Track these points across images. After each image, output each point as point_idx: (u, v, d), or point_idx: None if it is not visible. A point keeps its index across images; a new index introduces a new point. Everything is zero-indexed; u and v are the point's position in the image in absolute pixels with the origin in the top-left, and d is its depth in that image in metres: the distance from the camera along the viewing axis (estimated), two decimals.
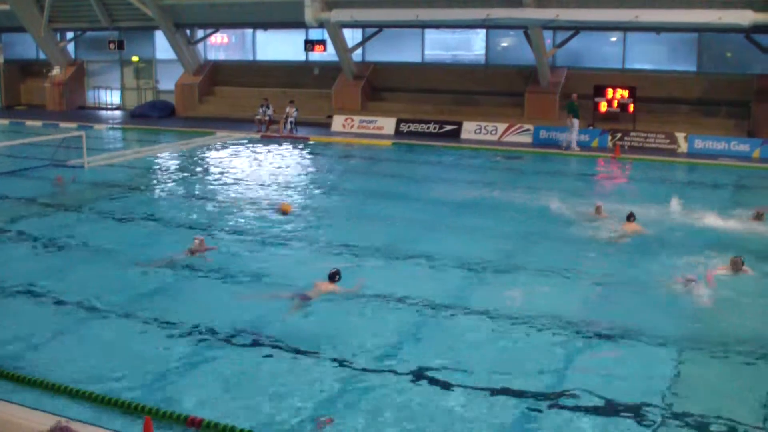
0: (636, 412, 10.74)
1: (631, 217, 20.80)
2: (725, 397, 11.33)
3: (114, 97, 52.09)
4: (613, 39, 40.58)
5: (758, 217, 21.56)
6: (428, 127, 39.15)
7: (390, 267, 17.59)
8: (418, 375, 11.78)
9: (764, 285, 16.48)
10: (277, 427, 10.15)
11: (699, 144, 35.28)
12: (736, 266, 16.62)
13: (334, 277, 15.42)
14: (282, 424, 10.26)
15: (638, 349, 13.08)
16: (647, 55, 40.48)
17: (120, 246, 18.91)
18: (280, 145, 36.68)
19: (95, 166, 30.00)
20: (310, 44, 43.85)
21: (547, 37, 39.41)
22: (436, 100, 41.33)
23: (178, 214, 22.61)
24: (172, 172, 30.22)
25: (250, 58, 48.40)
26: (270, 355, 12.49)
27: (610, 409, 10.83)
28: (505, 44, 42.96)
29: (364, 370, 11.96)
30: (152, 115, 46.46)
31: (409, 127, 39.54)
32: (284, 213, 21.63)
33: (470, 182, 28.32)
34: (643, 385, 11.56)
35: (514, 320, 14.18)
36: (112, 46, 48.81)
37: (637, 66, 40.05)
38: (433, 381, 11.62)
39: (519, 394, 11.21)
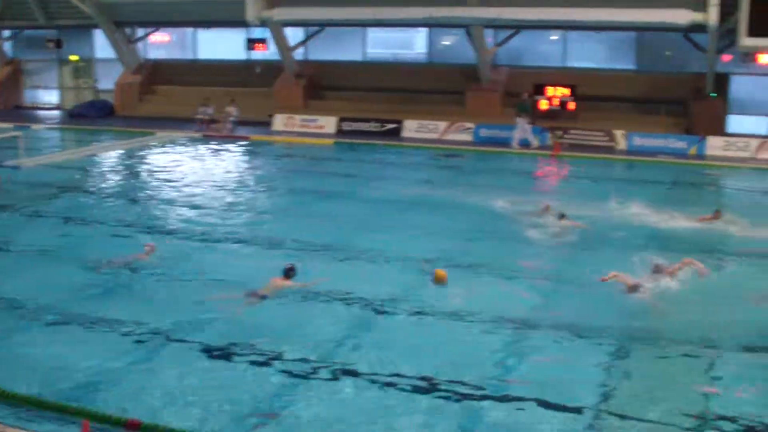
0: (575, 407, 10.81)
1: (563, 217, 20.94)
2: (665, 390, 11.44)
3: (52, 97, 51.42)
4: (554, 37, 40.89)
5: (715, 216, 21.65)
6: (370, 126, 39.09)
7: (334, 265, 17.51)
8: (360, 372, 11.75)
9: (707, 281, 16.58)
10: (219, 426, 10.02)
11: (638, 141, 35.68)
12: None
13: (289, 272, 15.29)
14: (223, 422, 10.15)
15: (578, 344, 13.18)
16: (587, 54, 40.79)
17: (56, 247, 18.66)
18: (220, 144, 36.40)
19: (32, 167, 29.49)
20: (251, 43, 43.57)
21: (489, 35, 39.52)
22: (377, 99, 41.25)
23: (116, 215, 22.22)
24: (110, 173, 29.89)
25: (191, 56, 48.01)
26: (215, 354, 12.37)
27: (549, 404, 10.87)
28: (446, 43, 43.04)
29: (308, 367, 11.91)
30: (91, 115, 45.75)
31: (350, 125, 39.46)
32: (440, 280, 16.19)
33: (412, 180, 28.36)
34: (583, 380, 11.65)
35: (457, 317, 14.21)
36: (50, 44, 48.16)
37: (578, 64, 40.40)
38: (374, 378, 11.58)
39: (460, 391, 11.20)
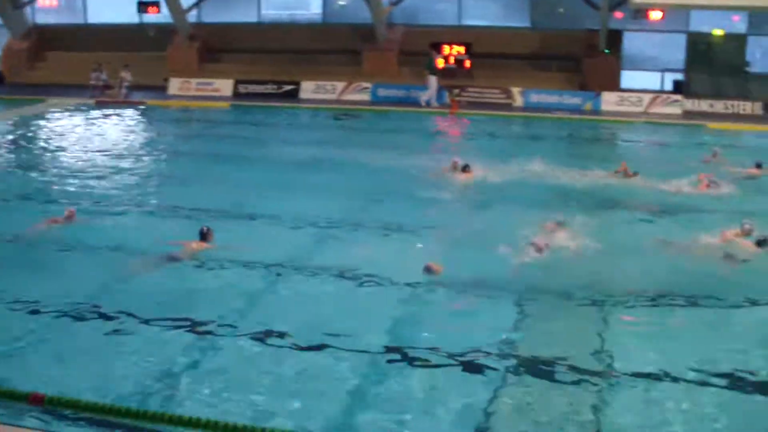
0: (481, 364, 10.76)
1: (466, 168, 21.05)
2: (566, 344, 11.49)
3: None
4: None
5: (626, 174, 21.86)
6: (266, 88, 38.64)
7: (236, 229, 17.09)
8: (266, 336, 11.48)
9: (600, 235, 16.79)
10: (126, 399, 9.75)
11: (534, 98, 36.07)
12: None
13: (205, 235, 14.98)
14: (129, 395, 9.86)
15: (481, 302, 13.13)
16: (482, 11, 40.96)
17: None
18: (115, 110, 35.54)
19: None
20: (143, 6, 42.44)
21: None
22: (274, 60, 40.70)
23: (9, 186, 21.39)
24: None
25: (82, 21, 46.75)
26: (120, 325, 11.92)
27: (455, 361, 10.81)
28: (342, 2, 42.77)
29: (212, 334, 11.60)
30: None
31: (247, 88, 38.96)
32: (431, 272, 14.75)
33: (311, 142, 28.12)
34: (487, 337, 11.58)
35: (360, 279, 14.03)
36: None
37: (473, 22, 40.54)
38: (279, 342, 11.35)
39: (366, 351, 11.05)
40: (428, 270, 13.74)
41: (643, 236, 16.94)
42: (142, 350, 11.03)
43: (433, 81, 35.44)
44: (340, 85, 37.92)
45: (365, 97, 37.41)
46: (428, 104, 35.39)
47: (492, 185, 20.84)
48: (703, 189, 20.53)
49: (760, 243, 15.57)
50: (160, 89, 40.11)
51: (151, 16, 43.01)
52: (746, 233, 16.03)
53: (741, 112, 35.17)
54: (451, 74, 37.01)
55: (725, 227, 16.52)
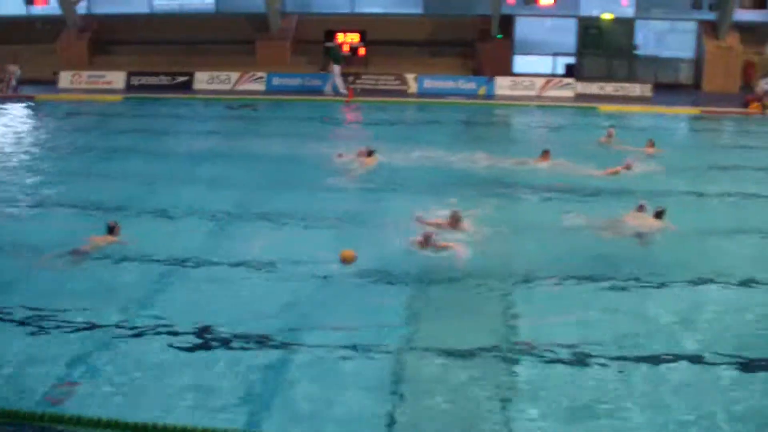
0: (372, 347, 10.90)
1: (371, 153, 21.16)
2: (455, 329, 11.66)
3: None
4: None
5: (544, 157, 21.99)
6: (160, 80, 38.03)
7: (136, 223, 16.69)
8: (164, 331, 11.42)
9: (504, 218, 17.00)
10: (22, 397, 9.55)
11: (428, 84, 36.25)
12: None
13: (112, 229, 14.81)
14: (26, 392, 9.67)
15: (378, 288, 13.21)
16: None
17: None
18: (3, 105, 34.67)
19: None
20: None
21: None
22: (166, 52, 40.11)
23: None
24: None
25: None
26: (21, 322, 11.75)
27: (352, 345, 10.92)
28: None
29: (112, 329, 11.48)
30: None
31: (140, 80, 38.26)
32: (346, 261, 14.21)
33: (206, 133, 27.97)
34: (378, 322, 11.70)
35: (258, 268, 14.09)
36: None
37: (366, 10, 40.58)
38: (178, 336, 11.28)
39: (262, 341, 11.09)
40: (344, 259, 13.68)
41: (546, 219, 17.25)
42: (40, 346, 10.93)
43: (337, 70, 35.34)
44: (234, 75, 37.52)
45: (260, 86, 37.10)
46: (335, 92, 35.25)
47: (393, 171, 20.98)
48: (609, 173, 20.96)
49: (658, 215, 16.14)
50: (51, 83, 39.16)
51: (39, 8, 42.00)
52: (643, 210, 16.53)
53: (630, 94, 35.85)
54: (346, 62, 36.97)
55: (626, 207, 17.01)
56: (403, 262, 14.17)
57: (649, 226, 16.06)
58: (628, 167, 21.01)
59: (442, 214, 15.87)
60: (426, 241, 14.37)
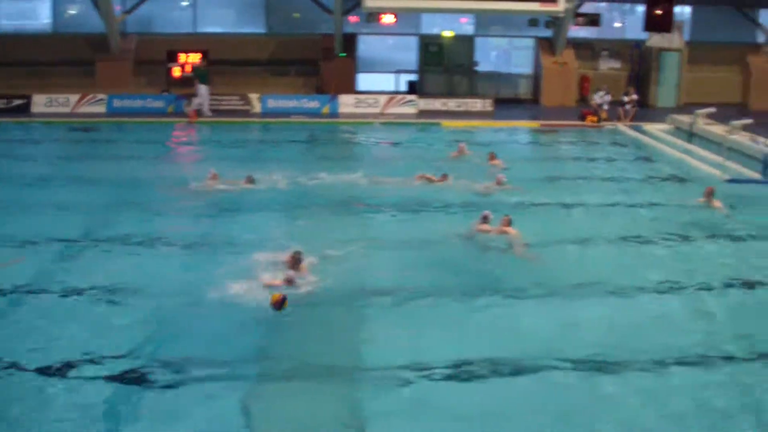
0: (234, 375, 11.07)
1: (215, 176, 21.55)
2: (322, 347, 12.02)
3: None
4: (185, 3, 40.52)
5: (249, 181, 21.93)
6: None
7: None
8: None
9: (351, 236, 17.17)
10: None
11: (272, 103, 36.24)
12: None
13: None
14: None
15: (224, 310, 13.24)
16: (218, 18, 41.02)
17: None
18: None
19: None
20: None
21: (117, 2, 38.44)
22: (2, 74, 38.85)
23: None
24: None
25: None
26: None
27: (201, 377, 10.98)
28: (72, 11, 41.36)
29: None
30: None
31: None
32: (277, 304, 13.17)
33: (45, 157, 27.47)
34: (228, 355, 11.74)
35: (99, 294, 13.94)
36: None
37: (209, 29, 40.35)
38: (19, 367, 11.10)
39: (110, 375, 10.96)
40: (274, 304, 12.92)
41: (388, 234, 17.82)
42: None
43: (203, 90, 34.93)
44: (74, 97, 36.52)
45: (101, 109, 36.19)
46: (200, 113, 34.82)
47: (240, 194, 20.96)
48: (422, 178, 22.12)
49: (506, 223, 17.01)
50: None
51: None
52: (487, 221, 17.25)
53: (472, 109, 36.64)
54: (190, 82, 36.59)
55: (473, 220, 17.70)
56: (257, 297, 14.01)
57: (498, 235, 16.81)
58: (444, 178, 22.16)
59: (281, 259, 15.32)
60: (289, 282, 14.13)
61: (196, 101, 35.02)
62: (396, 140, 31.35)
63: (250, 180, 21.45)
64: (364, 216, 19.47)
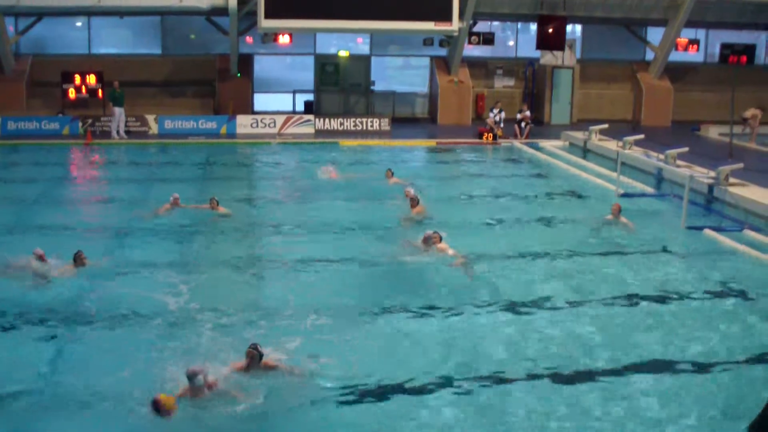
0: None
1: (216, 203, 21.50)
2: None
3: None
4: (79, 24, 40.22)
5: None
6: None
7: None
8: None
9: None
10: None
11: (169, 124, 36.21)
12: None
13: None
14: None
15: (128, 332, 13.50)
16: (113, 40, 40.83)
17: None
18: None
19: None
20: None
21: (10, 23, 38.05)
22: None
23: None
24: None
25: None
26: None
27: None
28: None
29: None
30: None
31: None
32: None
33: None
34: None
35: None
36: None
37: (104, 51, 40.18)
38: None
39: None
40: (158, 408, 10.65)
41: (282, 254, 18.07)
42: None
43: (117, 111, 34.70)
44: None
45: None
46: (118, 135, 34.64)
47: (122, 218, 21.07)
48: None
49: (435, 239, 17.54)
50: None
51: None
52: (431, 240, 17.64)
53: (369, 128, 37.18)
54: (85, 104, 36.40)
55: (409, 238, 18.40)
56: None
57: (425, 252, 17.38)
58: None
59: None
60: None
61: (113, 124, 34.89)
62: (296, 160, 31.72)
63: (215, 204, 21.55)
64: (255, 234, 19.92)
